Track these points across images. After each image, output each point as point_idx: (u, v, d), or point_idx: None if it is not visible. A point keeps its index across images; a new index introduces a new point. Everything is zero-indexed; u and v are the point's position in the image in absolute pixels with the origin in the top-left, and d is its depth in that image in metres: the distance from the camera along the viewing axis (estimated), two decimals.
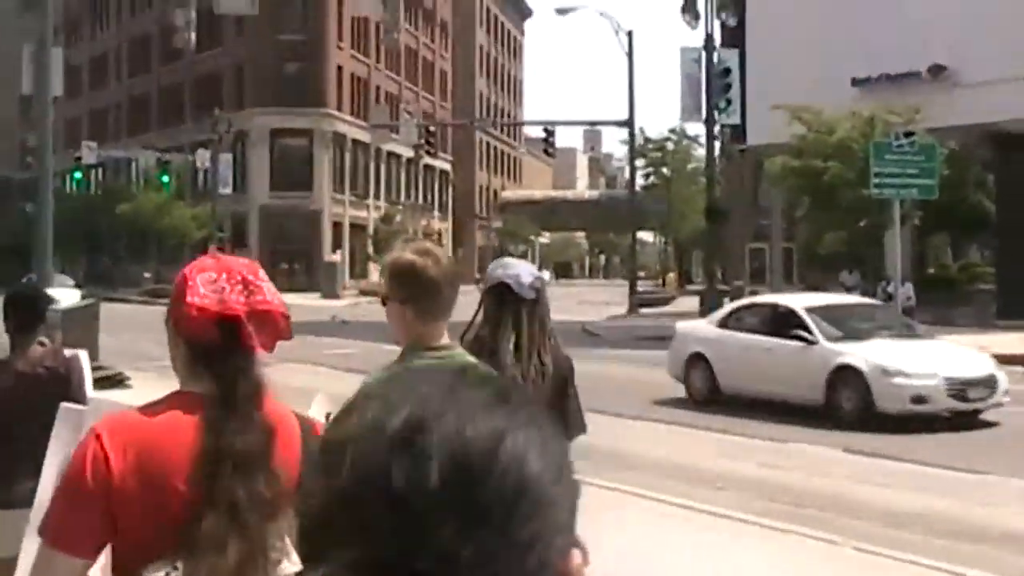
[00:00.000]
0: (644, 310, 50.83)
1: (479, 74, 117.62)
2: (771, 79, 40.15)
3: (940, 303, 36.61)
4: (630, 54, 49.25)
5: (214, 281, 2.79)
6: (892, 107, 32.04)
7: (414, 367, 1.01)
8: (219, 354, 2.76)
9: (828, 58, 41.77)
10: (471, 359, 4.06)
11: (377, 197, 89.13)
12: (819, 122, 32.20)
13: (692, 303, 51.02)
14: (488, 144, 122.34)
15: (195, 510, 2.62)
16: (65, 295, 19.67)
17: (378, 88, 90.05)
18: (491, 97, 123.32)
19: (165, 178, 64.91)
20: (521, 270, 4.95)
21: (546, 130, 50.39)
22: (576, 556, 1.09)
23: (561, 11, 50.41)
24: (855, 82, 41.71)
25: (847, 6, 42.87)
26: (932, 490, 12.16)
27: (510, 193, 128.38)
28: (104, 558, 2.72)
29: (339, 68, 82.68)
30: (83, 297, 20.99)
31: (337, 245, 79.66)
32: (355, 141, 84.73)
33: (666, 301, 57.74)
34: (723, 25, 36.56)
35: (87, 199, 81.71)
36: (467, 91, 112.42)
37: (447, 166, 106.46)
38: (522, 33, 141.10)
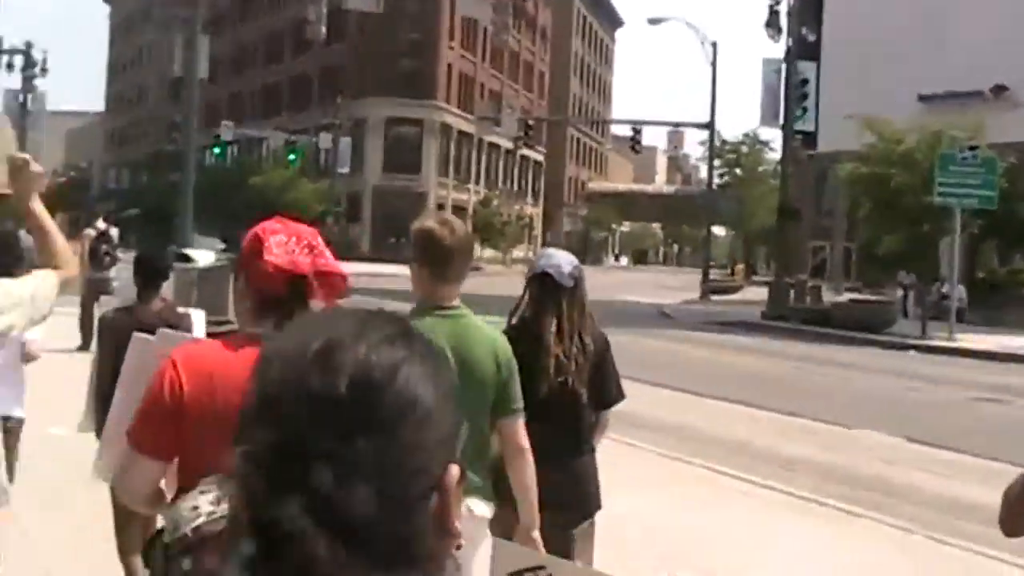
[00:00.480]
0: (715, 296, 50.26)
1: (573, 76, 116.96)
2: (843, 91, 39.36)
3: (989, 305, 35.71)
4: (714, 63, 48.51)
5: (285, 243, 2.96)
6: (957, 122, 31.09)
7: (346, 309, 1.00)
8: (285, 305, 2.87)
9: (897, 75, 40.83)
10: (475, 320, 4.28)
11: (477, 182, 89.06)
12: (889, 132, 31.31)
13: (758, 293, 50.39)
14: (578, 139, 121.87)
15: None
16: (203, 256, 19.49)
17: (482, 85, 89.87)
18: (583, 97, 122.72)
19: (292, 156, 65.09)
20: (562, 260, 4.96)
21: (634, 129, 49.77)
22: (454, 470, 1.21)
23: (652, 21, 49.83)
24: (921, 98, 40.70)
25: (917, 27, 41.89)
26: (991, 483, 11.48)
27: (595, 185, 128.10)
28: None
29: (449, 65, 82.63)
30: (218, 259, 20.91)
31: None
32: (460, 131, 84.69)
33: (735, 290, 57.06)
34: (802, 39, 35.61)
35: (223, 172, 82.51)
36: (561, 91, 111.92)
37: (540, 158, 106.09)
38: (613, 40, 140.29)
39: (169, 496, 2.92)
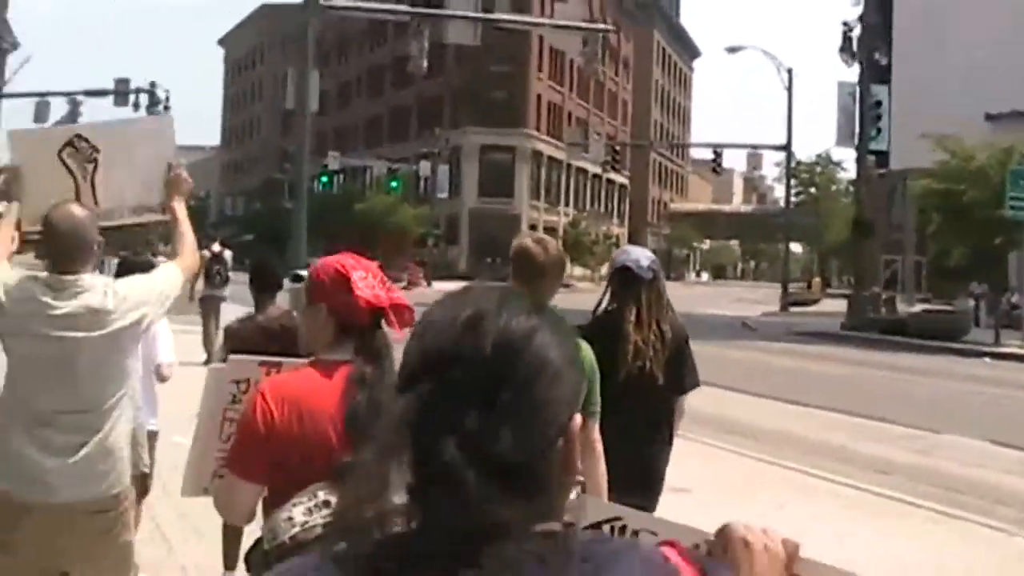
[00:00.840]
0: (793, 308, 50.00)
1: (654, 103, 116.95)
2: (912, 112, 39.04)
3: None
4: (789, 88, 48.38)
5: (366, 279, 3.14)
6: None
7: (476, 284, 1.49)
8: (365, 333, 3.10)
9: (964, 95, 40.50)
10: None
11: (567, 205, 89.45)
12: (961, 150, 31.13)
13: (833, 305, 50.03)
14: (659, 163, 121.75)
15: (344, 449, 2.80)
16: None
17: (570, 113, 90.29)
18: (663, 123, 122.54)
19: (394, 183, 66.07)
20: (640, 255, 5.08)
21: (715, 151, 49.85)
22: (577, 420, 1.39)
23: (731, 49, 49.82)
24: (988, 117, 40.32)
25: (984, 49, 41.52)
26: None
27: (677, 205, 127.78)
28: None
29: (538, 95, 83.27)
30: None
31: None
32: (550, 157, 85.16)
33: (812, 302, 56.67)
34: (875, 63, 35.51)
35: (330, 199, 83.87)
36: (643, 117, 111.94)
37: (625, 181, 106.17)
38: (691, 69, 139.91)
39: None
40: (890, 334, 31.87)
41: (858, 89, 33.66)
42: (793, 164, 72.08)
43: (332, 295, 3.14)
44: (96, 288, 4.08)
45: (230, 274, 19.38)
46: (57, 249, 4.13)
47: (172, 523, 7.41)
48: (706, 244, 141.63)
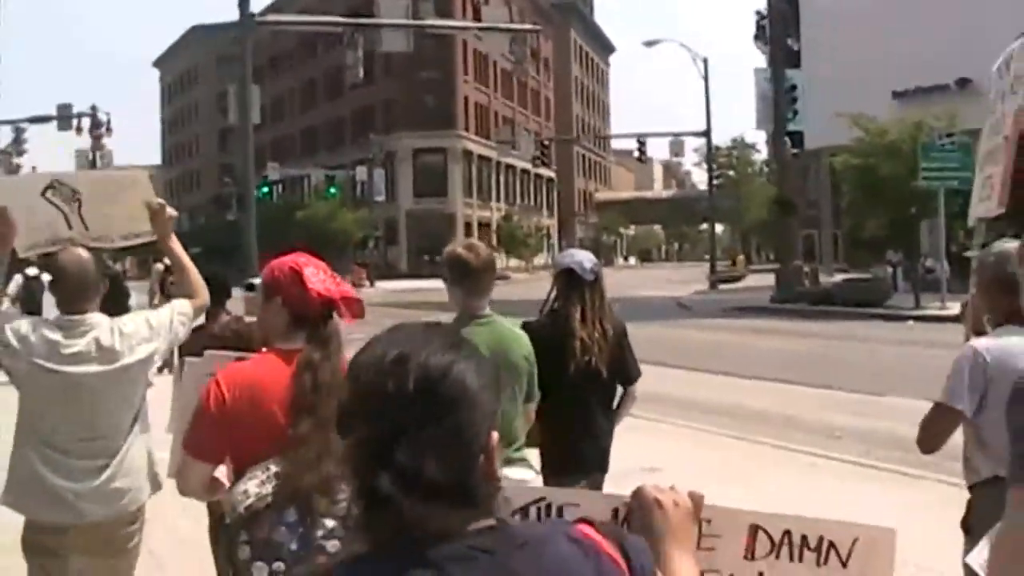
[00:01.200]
0: (722, 286, 49.85)
1: (575, 99, 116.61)
2: (822, 93, 38.89)
3: (966, 276, 35.09)
4: (705, 77, 48.17)
5: (316, 274, 3.28)
6: (935, 113, 30.77)
7: (403, 325, 1.62)
8: (315, 323, 3.23)
9: (870, 74, 40.47)
10: (503, 323, 4.65)
11: (498, 200, 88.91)
12: (875, 127, 31.00)
13: (758, 280, 50.04)
14: (583, 156, 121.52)
15: (293, 419, 3.04)
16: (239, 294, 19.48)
17: (496, 113, 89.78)
18: (584, 118, 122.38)
19: (332, 189, 65.00)
20: (583, 258, 5.21)
21: (639, 141, 49.40)
22: (495, 436, 1.52)
23: (648, 43, 49.42)
24: (895, 95, 40.35)
25: (886, 29, 41.53)
26: None
27: (602, 195, 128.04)
28: (224, 466, 3.29)
29: (466, 98, 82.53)
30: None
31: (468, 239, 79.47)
32: (480, 156, 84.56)
33: (739, 279, 56.60)
34: (788, 48, 35.27)
35: (272, 209, 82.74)
36: (565, 113, 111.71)
37: (552, 174, 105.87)
38: (608, 64, 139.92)
39: (228, 485, 3.26)
40: (817, 304, 31.74)
41: (771, 73, 33.39)
42: (712, 149, 72.42)
43: (286, 289, 3.28)
44: (103, 326, 4.21)
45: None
46: (68, 291, 4.24)
47: (161, 539, 7.14)
48: (632, 230, 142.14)
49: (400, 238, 78.80)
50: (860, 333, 24.33)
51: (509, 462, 4.42)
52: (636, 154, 49.01)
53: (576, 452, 5.09)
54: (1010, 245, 3.61)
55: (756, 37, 34.45)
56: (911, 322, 27.13)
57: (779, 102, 33.14)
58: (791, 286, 34.72)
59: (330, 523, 3.01)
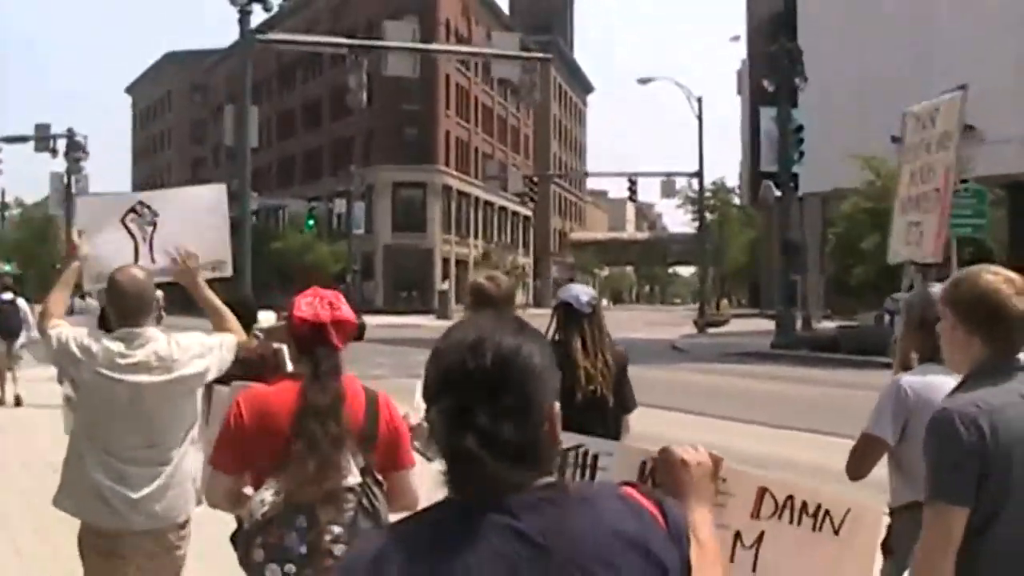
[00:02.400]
0: (710, 330, 48.98)
1: (553, 137, 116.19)
2: (817, 136, 38.32)
3: None
4: (700, 117, 47.58)
5: (310, 302, 3.58)
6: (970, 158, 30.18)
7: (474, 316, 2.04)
8: (311, 346, 3.52)
9: (869, 118, 39.78)
10: None
11: (476, 237, 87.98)
12: (888, 170, 30.34)
13: (743, 324, 49.24)
14: (559, 195, 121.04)
15: (292, 439, 3.38)
16: (265, 316, 18.41)
17: (476, 148, 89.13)
18: (561, 156, 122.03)
19: (311, 221, 63.74)
20: (579, 292, 5.40)
21: (630, 181, 48.58)
22: (556, 406, 1.81)
23: (642, 81, 48.72)
24: (894, 139, 39.67)
25: (885, 73, 40.98)
26: None
27: (577, 234, 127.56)
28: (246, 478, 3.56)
29: (447, 132, 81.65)
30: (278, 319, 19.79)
31: (445, 276, 78.31)
32: (459, 192, 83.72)
33: (724, 323, 55.77)
34: (790, 89, 34.46)
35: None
36: (543, 151, 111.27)
37: (529, 212, 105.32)
38: (585, 104, 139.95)
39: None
40: (822, 351, 30.80)
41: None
42: (691, 192, 72.02)
43: (288, 319, 3.61)
44: (160, 339, 4.45)
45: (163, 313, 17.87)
46: (125, 307, 4.45)
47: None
48: (605, 271, 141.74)
49: (376, 273, 77.60)
50: (873, 382, 23.42)
51: None
52: (628, 194, 48.11)
53: None
54: (935, 289, 3.84)
55: (763, 77, 33.74)
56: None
57: (782, 143, 32.38)
58: (790, 332, 33.82)
59: (337, 530, 3.31)
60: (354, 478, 3.39)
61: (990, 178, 34.70)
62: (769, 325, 39.93)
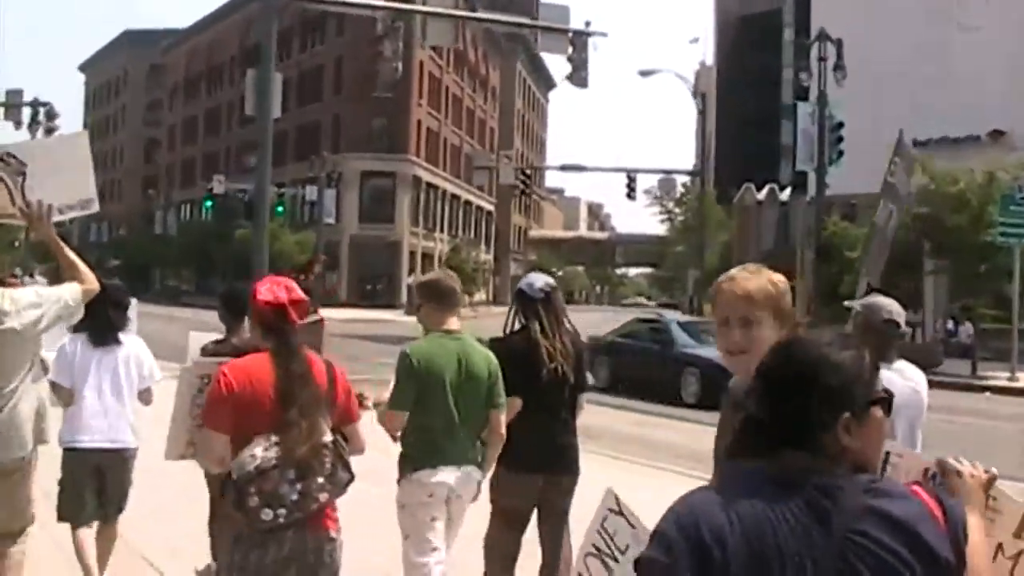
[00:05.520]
0: None
1: (516, 132, 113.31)
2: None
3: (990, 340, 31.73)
4: (702, 113, 45.12)
5: (269, 288, 4.15)
6: (1003, 164, 27.89)
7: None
8: (277, 324, 4.07)
9: (887, 121, 37.42)
10: (471, 340, 5.42)
11: (442, 231, 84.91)
12: (944, 174, 28.03)
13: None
14: (520, 190, 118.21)
15: (281, 406, 3.90)
16: None
17: (445, 140, 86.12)
18: (524, 151, 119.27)
19: (280, 208, 60.29)
20: (534, 279, 5.83)
21: (629, 177, 45.85)
22: (847, 415, 2.05)
23: (644, 73, 46.10)
24: (916, 144, 37.45)
25: (907, 73, 38.66)
26: None
27: (535, 232, 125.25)
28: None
29: (418, 122, 78.41)
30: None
31: (412, 270, 75.09)
32: (428, 184, 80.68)
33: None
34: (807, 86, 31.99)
35: (204, 227, 78.07)
36: (507, 145, 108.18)
37: (491, 208, 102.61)
38: (547, 100, 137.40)
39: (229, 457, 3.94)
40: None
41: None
42: (660, 193, 69.53)
43: (251, 305, 4.22)
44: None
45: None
46: None
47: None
48: (561, 271, 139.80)
49: (342, 265, 74.24)
50: (944, 403, 21.17)
51: (468, 461, 5.30)
52: (627, 190, 45.38)
53: (553, 448, 5.74)
54: (880, 298, 4.79)
55: (797, 70, 31.20)
56: (988, 393, 24.29)
57: (821, 142, 29.86)
58: None
59: (320, 479, 3.92)
60: (328, 436, 3.98)
61: None
62: None
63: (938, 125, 37.01)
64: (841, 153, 29.68)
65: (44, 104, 37.80)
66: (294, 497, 3.83)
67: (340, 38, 75.92)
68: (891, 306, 4.62)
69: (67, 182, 5.34)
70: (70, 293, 5.06)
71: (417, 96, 76.97)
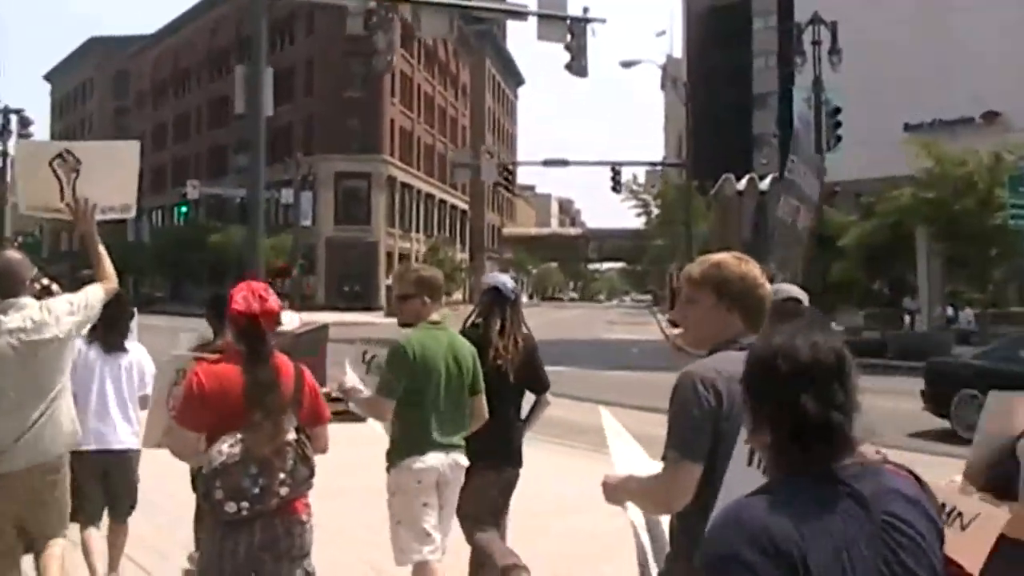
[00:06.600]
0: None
1: (487, 129, 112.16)
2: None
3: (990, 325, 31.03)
4: (688, 105, 44.14)
5: (245, 296, 4.29)
6: (1009, 145, 27.00)
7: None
8: (249, 332, 4.26)
9: (880, 105, 36.51)
10: (453, 331, 5.65)
11: (417, 231, 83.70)
12: (951, 156, 27.10)
13: None
14: (492, 188, 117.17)
15: (248, 409, 4.11)
16: (287, 318, 14.55)
17: (419, 139, 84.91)
18: (495, 148, 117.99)
19: None
20: (505, 279, 6.18)
21: (614, 170, 44.77)
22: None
23: (626, 64, 45.05)
24: (907, 127, 36.60)
25: (896, 57, 37.75)
26: None
27: (508, 230, 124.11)
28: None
29: (392, 121, 77.12)
30: (307, 325, 15.88)
31: (389, 271, 73.77)
32: (403, 183, 79.42)
33: None
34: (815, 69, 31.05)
35: (181, 232, 76.39)
36: (478, 142, 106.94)
37: (466, 206, 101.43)
38: (516, 96, 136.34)
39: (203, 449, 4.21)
40: (869, 356, 27.45)
41: (812, 96, 29.20)
42: (636, 186, 68.66)
43: (227, 311, 4.36)
44: (33, 305, 5.20)
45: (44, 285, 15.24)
46: (2, 284, 5.14)
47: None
48: (535, 269, 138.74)
49: (319, 267, 72.87)
50: None
51: (455, 447, 5.51)
52: (612, 182, 44.33)
53: (495, 440, 5.78)
54: (782, 284, 4.62)
55: (795, 52, 30.29)
56: None
57: (818, 129, 28.93)
58: None
59: (282, 475, 4.14)
60: (291, 435, 4.22)
61: None
62: None
63: (931, 108, 36.15)
64: (839, 139, 28.72)
65: (17, 111, 36.42)
66: (256, 491, 4.09)
67: (310, 38, 74.53)
68: (792, 288, 4.71)
69: (114, 186, 5.68)
70: (95, 297, 5.37)
71: (390, 95, 75.73)
